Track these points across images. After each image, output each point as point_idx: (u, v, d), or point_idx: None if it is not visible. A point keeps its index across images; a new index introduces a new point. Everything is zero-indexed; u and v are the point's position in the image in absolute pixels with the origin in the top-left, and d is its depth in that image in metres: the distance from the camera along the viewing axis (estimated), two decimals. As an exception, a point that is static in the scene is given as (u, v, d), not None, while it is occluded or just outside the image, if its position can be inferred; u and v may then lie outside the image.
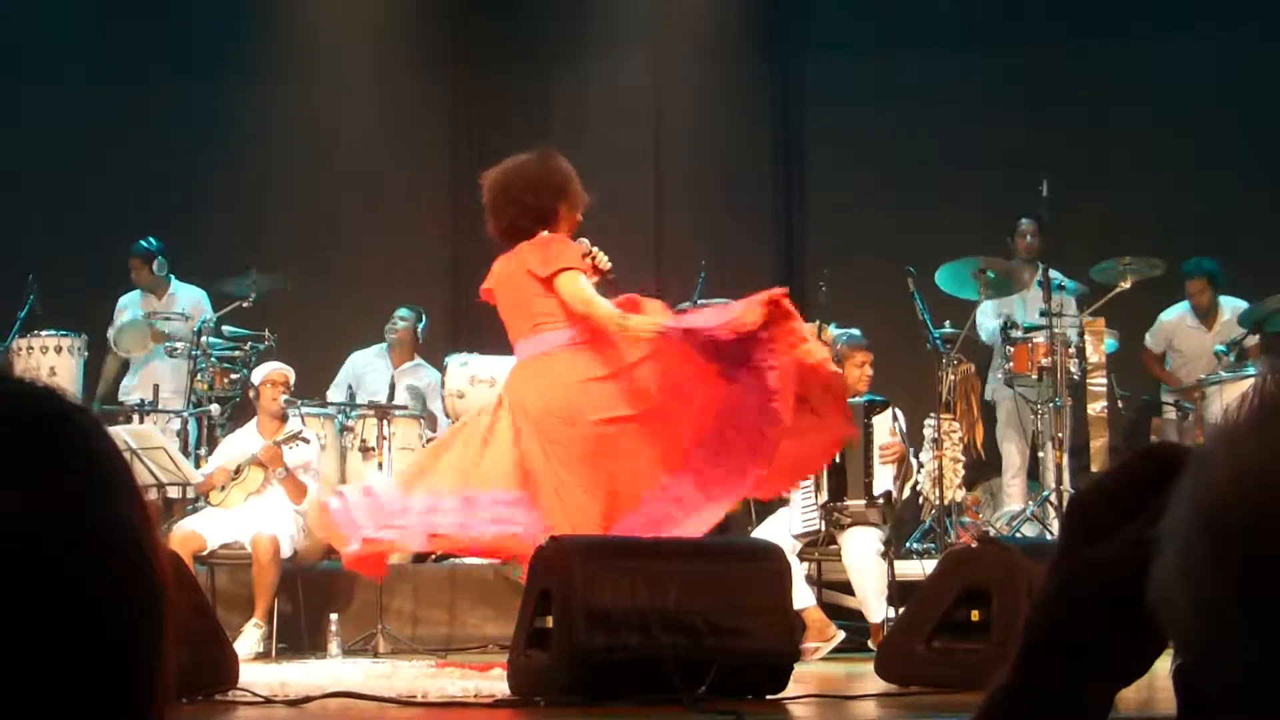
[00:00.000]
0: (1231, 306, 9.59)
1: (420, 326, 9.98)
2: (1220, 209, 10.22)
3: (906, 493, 8.47)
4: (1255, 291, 9.50)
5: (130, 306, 9.93)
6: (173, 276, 9.98)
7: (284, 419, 8.42)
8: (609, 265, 6.21)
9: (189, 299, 9.93)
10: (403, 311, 9.96)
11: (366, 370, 9.78)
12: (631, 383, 5.98)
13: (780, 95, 11.31)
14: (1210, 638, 0.87)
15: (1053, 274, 9.16)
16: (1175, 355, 9.86)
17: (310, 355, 9.87)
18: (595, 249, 6.24)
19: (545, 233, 6.19)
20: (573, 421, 5.89)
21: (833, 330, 9.20)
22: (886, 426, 7.87)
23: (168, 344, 9.48)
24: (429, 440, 9.47)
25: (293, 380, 8.53)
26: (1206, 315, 9.72)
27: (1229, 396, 9.01)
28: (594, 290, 6.06)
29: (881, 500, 7.75)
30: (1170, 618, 0.90)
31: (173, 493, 8.54)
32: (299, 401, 8.85)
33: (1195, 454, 0.93)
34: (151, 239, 9.93)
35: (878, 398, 8.00)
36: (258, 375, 8.52)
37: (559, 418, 5.90)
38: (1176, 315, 9.81)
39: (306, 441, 8.32)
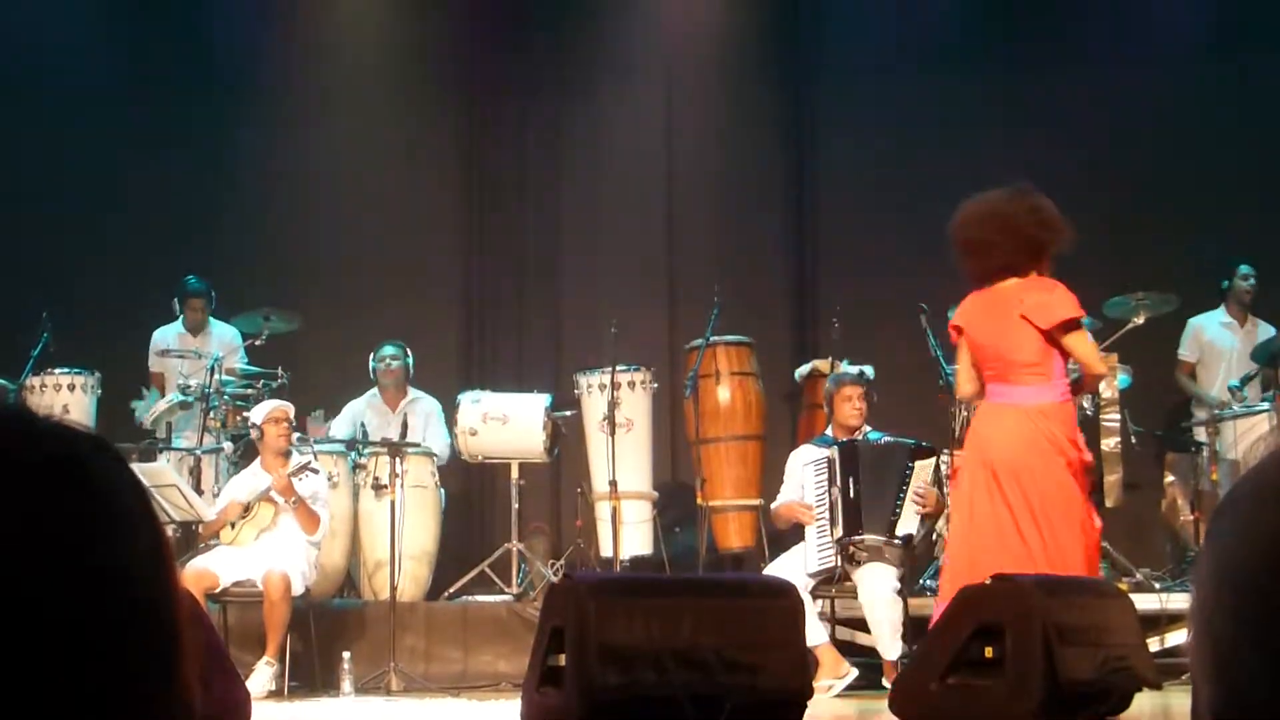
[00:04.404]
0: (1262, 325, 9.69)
1: (409, 361, 9.86)
2: (1234, 242, 10.19)
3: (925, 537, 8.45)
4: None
5: (168, 342, 9.89)
6: (210, 315, 10.01)
7: (289, 455, 8.42)
8: None
9: (224, 337, 9.91)
10: (390, 349, 9.77)
11: (364, 420, 9.65)
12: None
13: (794, 124, 11.30)
14: (1239, 686, 0.89)
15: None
16: (1205, 355, 9.81)
17: (323, 392, 9.87)
18: None
19: (1035, 274, 6.14)
20: (1037, 478, 6.00)
21: (845, 366, 9.20)
22: (928, 475, 7.83)
23: (180, 380, 9.48)
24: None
25: (293, 415, 8.52)
26: (1243, 315, 9.75)
27: (1242, 432, 9.02)
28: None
29: (901, 543, 7.72)
30: (1198, 668, 0.93)
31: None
32: (312, 440, 8.86)
33: (1219, 509, 0.97)
34: (196, 276, 9.95)
35: (925, 444, 7.96)
36: (258, 415, 8.49)
37: (1026, 470, 5.99)
38: (1207, 315, 9.83)
39: (315, 472, 8.32)
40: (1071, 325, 6.02)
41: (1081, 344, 6.06)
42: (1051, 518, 5.97)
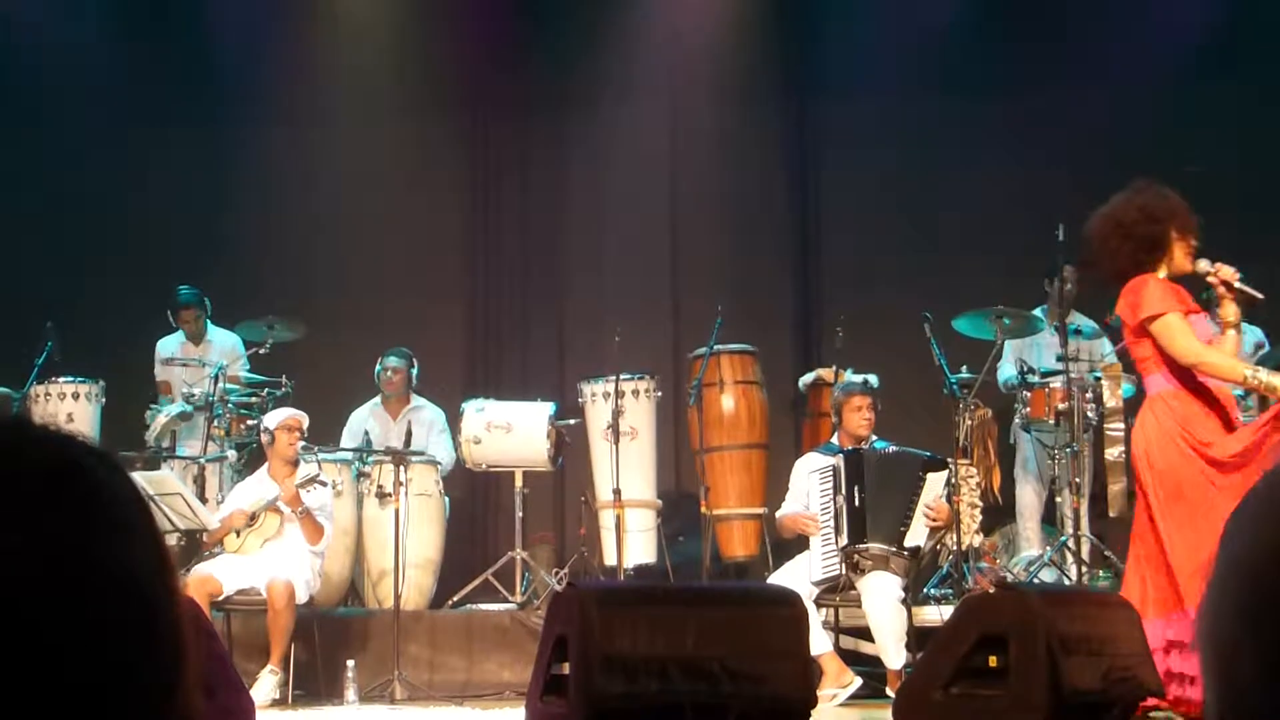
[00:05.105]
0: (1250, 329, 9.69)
1: (413, 371, 9.86)
2: (1238, 250, 10.17)
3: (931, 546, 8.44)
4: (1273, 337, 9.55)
5: (170, 351, 9.88)
6: (209, 322, 9.99)
7: (296, 464, 8.42)
8: (1236, 276, 6.20)
9: (224, 345, 9.90)
10: (393, 359, 9.77)
11: (368, 428, 9.65)
12: (1223, 452, 5.98)
13: (796, 139, 11.32)
14: (1241, 686, 0.91)
15: (1074, 317, 9.15)
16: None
17: (327, 401, 9.86)
18: (1217, 264, 6.21)
19: (1160, 269, 6.17)
20: (1156, 470, 6.00)
21: (849, 375, 9.20)
22: (939, 488, 7.82)
23: (184, 389, 9.46)
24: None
25: (306, 425, 8.53)
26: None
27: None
28: (1183, 332, 6.03)
29: (908, 555, 7.70)
30: (1203, 669, 0.94)
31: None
32: (316, 448, 8.86)
33: (1230, 516, 0.98)
34: (188, 286, 9.93)
35: (936, 456, 7.95)
36: (271, 420, 8.50)
37: (1149, 463, 6.02)
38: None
39: (323, 484, 8.33)
40: (1151, 322, 6.03)
41: (1164, 339, 6.03)
42: (1183, 499, 5.96)
